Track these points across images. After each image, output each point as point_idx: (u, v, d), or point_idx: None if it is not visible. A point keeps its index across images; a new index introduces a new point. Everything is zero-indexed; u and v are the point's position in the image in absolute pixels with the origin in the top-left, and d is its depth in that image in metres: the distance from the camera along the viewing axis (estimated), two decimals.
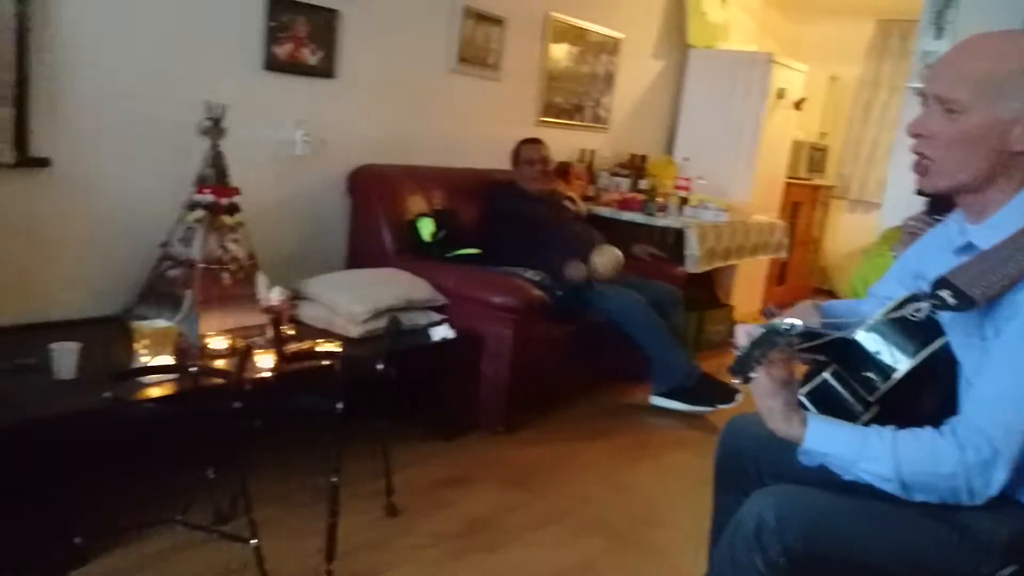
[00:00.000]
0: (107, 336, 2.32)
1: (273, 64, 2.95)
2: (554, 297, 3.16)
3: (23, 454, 1.79)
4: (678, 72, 5.38)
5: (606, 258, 3.36)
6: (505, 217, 3.47)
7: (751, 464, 1.58)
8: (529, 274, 3.19)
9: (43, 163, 2.39)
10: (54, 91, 2.38)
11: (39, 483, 1.82)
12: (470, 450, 2.89)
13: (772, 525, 1.25)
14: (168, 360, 2.15)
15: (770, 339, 1.25)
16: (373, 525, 2.30)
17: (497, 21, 3.86)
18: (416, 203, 3.37)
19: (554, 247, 3.40)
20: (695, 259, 4.03)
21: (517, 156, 3.66)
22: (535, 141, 3.68)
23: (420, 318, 2.88)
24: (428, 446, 2.84)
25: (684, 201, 4.40)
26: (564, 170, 4.35)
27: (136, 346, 2.15)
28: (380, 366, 2.30)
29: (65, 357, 2.03)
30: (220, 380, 2.11)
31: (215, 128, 2.50)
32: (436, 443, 2.87)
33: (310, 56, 3.07)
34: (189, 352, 2.28)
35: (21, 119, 2.31)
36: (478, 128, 3.91)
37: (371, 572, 2.08)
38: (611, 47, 4.74)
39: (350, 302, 2.72)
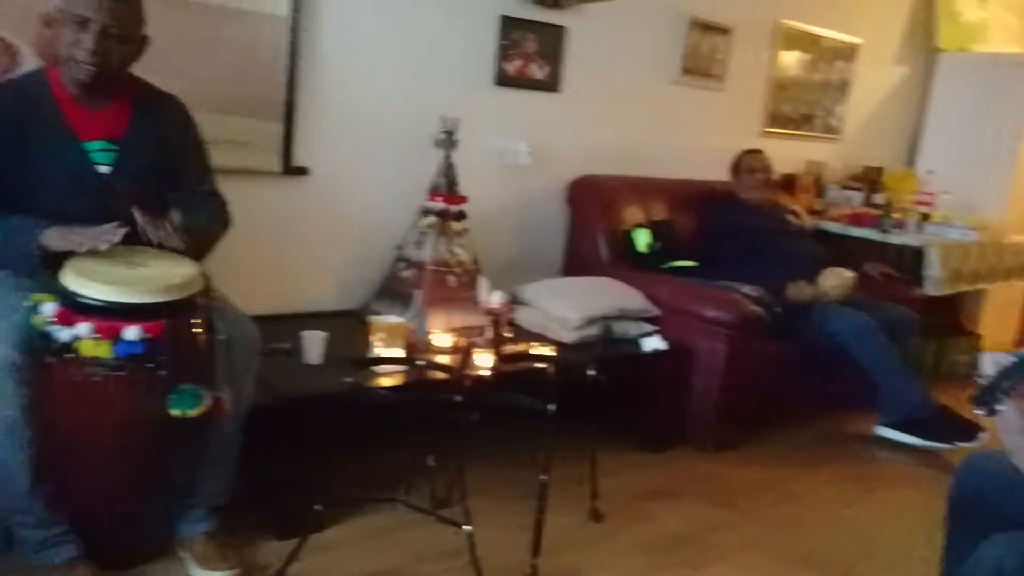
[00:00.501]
0: (348, 328, 2.56)
1: (503, 80, 3.11)
2: (773, 314, 3.04)
3: (276, 428, 2.05)
4: (924, 78, 4.95)
5: (835, 282, 3.17)
6: (723, 229, 3.39)
7: (992, 506, 1.43)
8: (747, 289, 3.09)
9: (302, 172, 2.70)
10: (315, 108, 2.68)
11: (288, 454, 2.07)
12: (677, 464, 2.85)
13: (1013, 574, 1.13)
14: (399, 353, 2.35)
15: (1022, 369, 1.14)
16: (577, 527, 2.35)
17: (723, 31, 3.79)
18: (633, 214, 3.40)
19: (775, 261, 3.26)
20: (936, 281, 3.68)
21: (737, 166, 3.57)
22: (756, 151, 3.57)
23: (632, 328, 2.89)
24: (634, 456, 2.84)
25: (925, 217, 4.03)
26: (789, 182, 4.16)
27: (372, 338, 2.37)
28: (591, 372, 2.35)
29: (314, 344, 2.29)
30: (443, 374, 2.26)
31: (448, 140, 2.69)
32: (642, 454, 2.87)
33: (537, 71, 3.20)
34: (417, 347, 2.47)
35: (288, 133, 2.63)
36: (699, 139, 3.86)
37: (574, 572, 2.13)
38: (847, 53, 4.47)
39: (564, 308, 2.79)
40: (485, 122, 3.05)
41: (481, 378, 2.33)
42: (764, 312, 3.00)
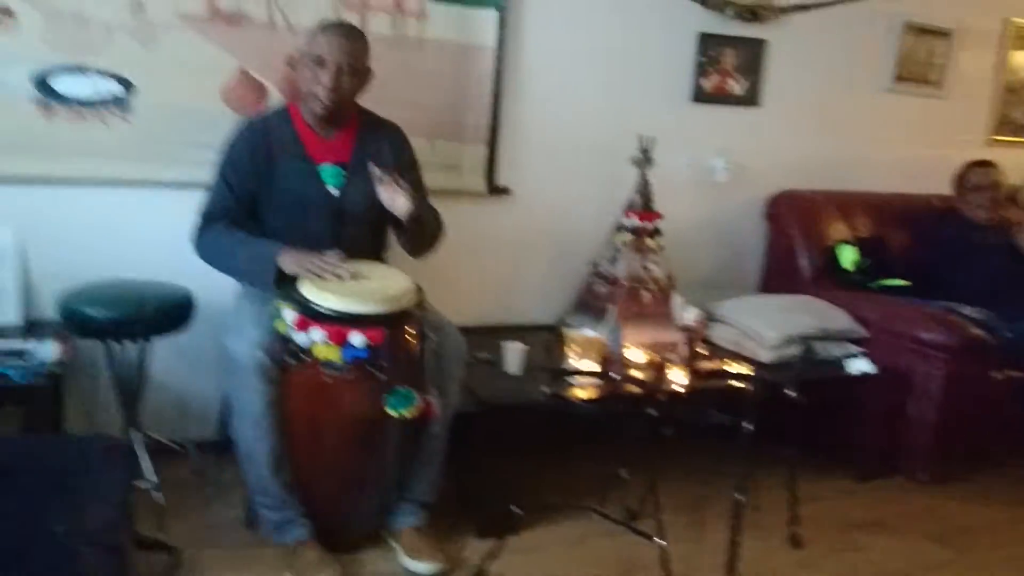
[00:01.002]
0: (545, 340, 2.66)
1: (700, 96, 3.10)
2: (1001, 338, 2.77)
3: (479, 433, 2.17)
4: None
5: None
6: (944, 248, 3.14)
7: None
8: (968, 310, 2.85)
9: (505, 192, 2.85)
10: (516, 131, 2.82)
11: (489, 459, 2.19)
12: (887, 495, 2.68)
13: None
14: (594, 366, 2.41)
15: None
16: (775, 552, 2.28)
17: (943, 34, 3.53)
18: (838, 230, 3.24)
19: (1004, 284, 2.98)
20: None
21: (962, 181, 3.29)
22: (985, 164, 3.27)
23: (836, 349, 2.76)
24: (839, 483, 2.70)
25: None
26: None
27: (567, 351, 2.45)
28: (790, 393, 2.28)
29: (514, 355, 2.40)
30: (637, 389, 2.29)
31: (645, 158, 2.72)
32: (846, 481, 2.72)
33: (735, 86, 3.16)
34: (611, 361, 2.51)
35: (492, 156, 2.79)
36: (914, 150, 3.61)
37: None
38: None
39: (762, 326, 2.72)
40: (682, 139, 3.05)
41: (676, 394, 2.33)
42: (990, 335, 2.75)
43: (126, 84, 2.30)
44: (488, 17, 2.67)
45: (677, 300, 2.71)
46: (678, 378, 2.42)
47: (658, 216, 2.74)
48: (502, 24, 2.69)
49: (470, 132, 2.74)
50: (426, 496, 2.13)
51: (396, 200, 2.04)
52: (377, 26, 2.52)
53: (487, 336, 2.56)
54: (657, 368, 2.41)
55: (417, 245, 2.21)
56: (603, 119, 2.95)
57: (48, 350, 2.05)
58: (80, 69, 2.25)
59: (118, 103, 2.30)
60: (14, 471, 1.73)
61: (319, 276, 1.94)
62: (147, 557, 1.93)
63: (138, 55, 2.30)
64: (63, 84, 2.25)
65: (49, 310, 2.25)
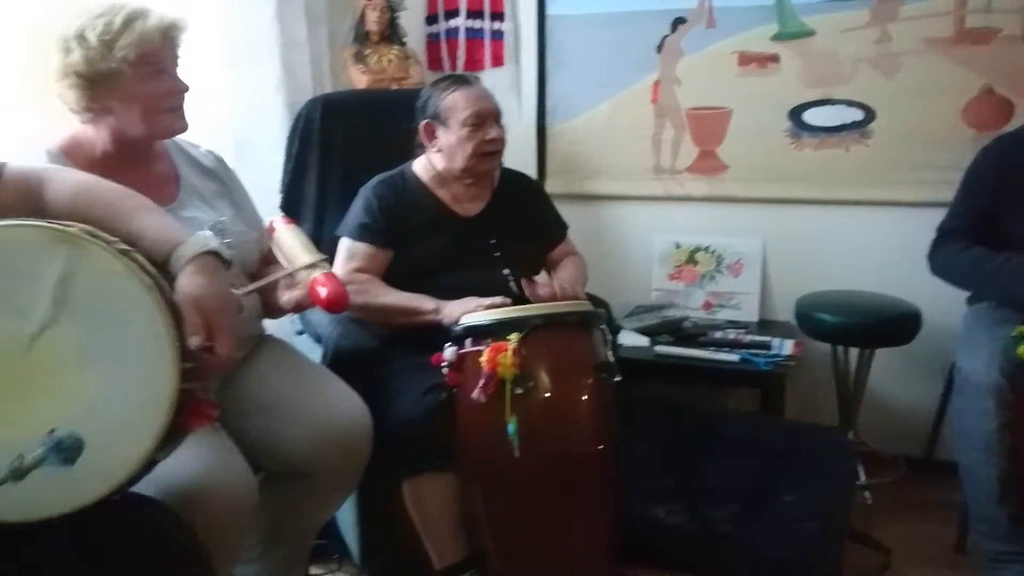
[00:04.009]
0: None
1: None
2: None
3: None
4: None
5: None
6: None
7: None
8: None
9: None
10: None
11: None
12: None
13: None
14: None
15: None
16: None
17: None
18: None
19: None
20: None
21: None
22: None
23: None
24: None
25: None
26: None
27: None
28: None
29: None
30: None
31: None
32: None
33: None
34: None
35: None
36: None
37: None
38: None
39: None
40: None
41: None
42: None
43: (868, 111, 2.48)
44: None
45: None
46: None
47: None
48: None
49: None
50: None
51: None
52: None
53: None
54: None
55: None
56: None
57: (785, 346, 2.36)
58: (827, 101, 2.52)
59: (858, 129, 2.50)
60: (753, 441, 2.08)
61: None
62: (856, 549, 2.06)
63: (879, 83, 2.45)
64: (811, 116, 2.54)
65: (779, 311, 2.60)
